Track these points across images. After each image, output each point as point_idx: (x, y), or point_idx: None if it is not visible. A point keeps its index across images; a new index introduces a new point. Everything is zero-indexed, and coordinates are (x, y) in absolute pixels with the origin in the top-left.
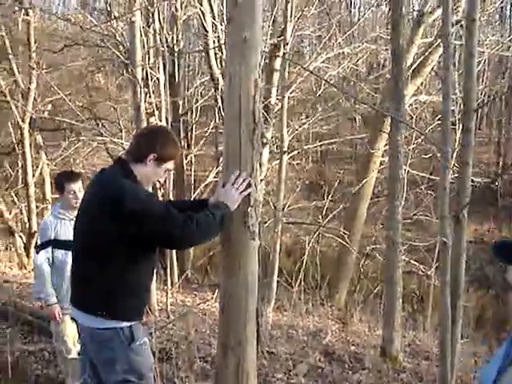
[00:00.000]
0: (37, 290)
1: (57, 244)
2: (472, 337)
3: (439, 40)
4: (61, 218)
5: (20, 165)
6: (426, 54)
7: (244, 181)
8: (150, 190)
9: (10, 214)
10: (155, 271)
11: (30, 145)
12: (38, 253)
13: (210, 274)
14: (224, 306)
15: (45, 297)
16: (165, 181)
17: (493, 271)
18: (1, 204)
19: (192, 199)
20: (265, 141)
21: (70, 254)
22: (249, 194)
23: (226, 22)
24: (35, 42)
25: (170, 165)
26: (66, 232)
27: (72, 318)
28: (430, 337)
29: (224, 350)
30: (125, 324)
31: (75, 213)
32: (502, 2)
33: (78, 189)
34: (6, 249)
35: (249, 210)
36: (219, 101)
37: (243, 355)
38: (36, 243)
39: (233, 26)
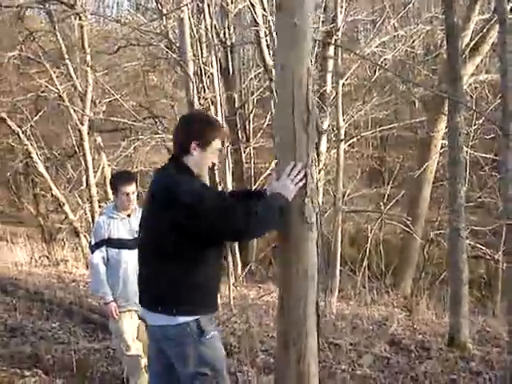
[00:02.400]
0: (94, 288)
1: (110, 243)
2: None
3: (496, 16)
4: (114, 218)
5: (82, 167)
6: (484, 31)
7: (299, 172)
8: (207, 177)
9: (74, 215)
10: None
11: (90, 147)
12: (93, 252)
13: (273, 266)
14: (283, 299)
15: (102, 295)
16: (217, 163)
17: None
18: (65, 206)
19: (249, 190)
20: (321, 130)
21: (123, 252)
22: (305, 185)
23: (275, 9)
24: (89, 46)
25: (217, 144)
26: (119, 231)
27: (140, 317)
28: (501, 322)
29: (284, 342)
30: (191, 318)
31: (127, 212)
32: None
33: (131, 191)
34: (73, 249)
35: (305, 201)
36: (274, 92)
37: (304, 347)
38: (90, 243)
39: (282, 13)
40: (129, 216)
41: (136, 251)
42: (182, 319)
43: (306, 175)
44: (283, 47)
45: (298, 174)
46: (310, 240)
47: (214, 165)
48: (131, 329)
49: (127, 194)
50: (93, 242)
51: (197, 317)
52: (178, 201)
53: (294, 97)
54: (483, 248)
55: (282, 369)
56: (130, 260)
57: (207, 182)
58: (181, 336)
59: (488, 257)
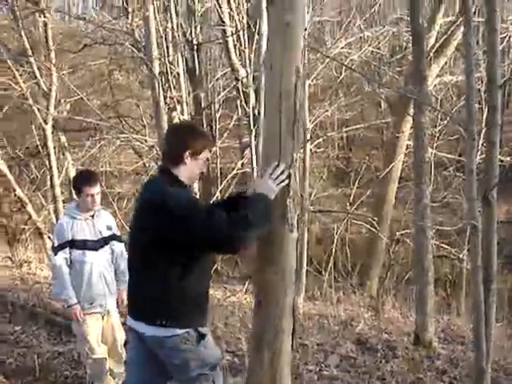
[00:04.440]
0: (57, 292)
1: (74, 244)
2: (508, 319)
3: (461, 18)
4: (77, 219)
5: (46, 166)
6: (449, 32)
7: (283, 172)
8: (196, 187)
9: (38, 215)
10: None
11: (54, 146)
12: (55, 254)
13: (240, 266)
14: (260, 300)
15: (65, 298)
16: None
17: None
18: (29, 206)
19: (229, 194)
20: None
21: (87, 253)
22: (288, 186)
23: (266, 3)
24: (54, 44)
25: (206, 154)
26: (83, 232)
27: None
28: (465, 321)
29: (258, 343)
30: (191, 328)
31: (91, 213)
32: None
33: (95, 192)
34: (37, 251)
35: (288, 202)
36: (241, 92)
37: (279, 349)
38: (53, 244)
39: (274, 10)
40: (92, 217)
41: (100, 252)
42: (180, 330)
43: (289, 176)
44: (274, 46)
45: (281, 174)
46: (291, 242)
47: (202, 173)
48: (96, 331)
49: (91, 196)
50: (55, 244)
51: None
52: (169, 214)
53: (281, 96)
54: (448, 248)
55: (255, 369)
56: (94, 261)
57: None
58: (180, 344)
59: (453, 256)
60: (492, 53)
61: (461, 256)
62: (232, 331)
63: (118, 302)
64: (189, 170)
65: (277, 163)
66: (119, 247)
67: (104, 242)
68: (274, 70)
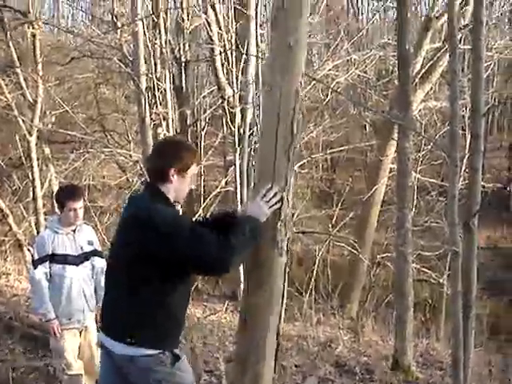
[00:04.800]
0: (36, 305)
1: (55, 258)
2: (486, 345)
3: (447, 45)
4: (58, 233)
5: (28, 178)
6: (435, 59)
7: (275, 195)
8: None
9: (19, 227)
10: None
11: (38, 158)
12: (35, 268)
13: (220, 285)
14: (246, 322)
15: (44, 312)
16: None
17: (506, 278)
18: (10, 217)
19: (217, 213)
20: None
21: (67, 268)
22: (280, 209)
23: (270, 27)
24: (41, 56)
25: (194, 169)
26: (64, 246)
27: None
28: (444, 346)
29: (242, 365)
30: (165, 349)
31: (72, 227)
32: (510, 6)
33: (78, 207)
34: (16, 263)
35: (278, 226)
36: (227, 110)
37: (261, 373)
38: (33, 258)
39: (277, 31)
40: (74, 231)
41: (80, 267)
42: (154, 351)
43: (281, 199)
44: (274, 67)
45: (273, 197)
46: (280, 265)
47: (191, 191)
48: (73, 347)
49: (74, 210)
50: (36, 257)
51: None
52: (155, 231)
53: (279, 118)
54: (429, 272)
55: None
56: (74, 276)
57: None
58: (154, 365)
59: (433, 281)
60: (476, 81)
61: (441, 281)
62: (211, 350)
63: (96, 319)
64: (176, 188)
65: (270, 185)
66: (100, 263)
67: (85, 257)
68: (273, 91)
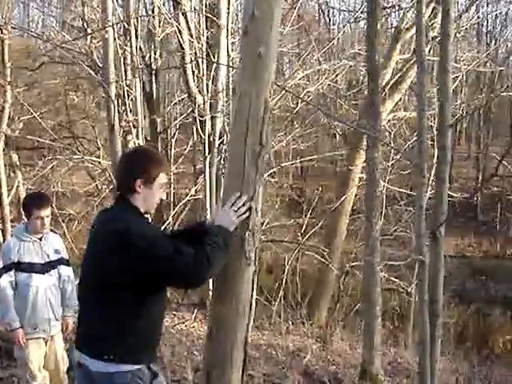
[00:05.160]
0: (0, 315)
1: (20, 267)
2: (453, 353)
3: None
4: (24, 241)
5: None
6: (404, 70)
7: (244, 204)
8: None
9: None
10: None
11: (5, 164)
12: (0, 276)
13: (189, 293)
14: (213, 332)
15: (8, 321)
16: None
17: (474, 286)
18: None
19: (188, 225)
20: None
21: (33, 276)
22: (248, 218)
23: (241, 33)
24: (10, 61)
25: (162, 179)
26: (30, 254)
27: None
28: (412, 354)
29: (208, 376)
30: (143, 365)
31: (39, 235)
32: (478, 18)
33: (45, 215)
34: None
35: (246, 235)
36: (197, 118)
37: (229, 383)
38: None
39: (247, 40)
40: (40, 239)
41: (47, 276)
42: (131, 366)
43: (250, 208)
44: (244, 76)
45: (242, 206)
46: (248, 275)
47: (161, 200)
48: (38, 357)
49: (41, 218)
50: (0, 265)
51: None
52: (130, 244)
53: (248, 127)
54: (397, 281)
55: None
56: (40, 285)
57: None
58: (132, 382)
59: (401, 289)
60: (443, 92)
61: (409, 290)
62: (178, 359)
63: (62, 328)
64: (144, 198)
65: (239, 194)
66: (67, 271)
67: (51, 265)
68: (242, 100)
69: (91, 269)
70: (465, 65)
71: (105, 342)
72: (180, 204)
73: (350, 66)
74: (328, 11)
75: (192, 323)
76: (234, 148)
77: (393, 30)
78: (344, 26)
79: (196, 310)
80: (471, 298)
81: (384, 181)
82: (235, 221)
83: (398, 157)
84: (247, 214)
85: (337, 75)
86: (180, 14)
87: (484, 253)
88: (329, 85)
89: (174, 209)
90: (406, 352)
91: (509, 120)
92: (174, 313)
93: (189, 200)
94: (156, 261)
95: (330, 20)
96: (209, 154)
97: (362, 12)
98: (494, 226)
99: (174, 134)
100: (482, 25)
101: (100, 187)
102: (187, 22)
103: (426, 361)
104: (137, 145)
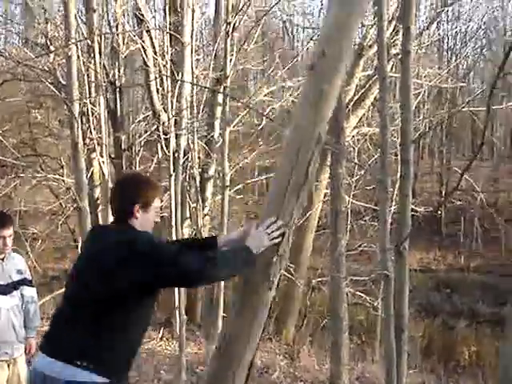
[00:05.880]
0: None
1: None
2: (421, 366)
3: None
4: None
5: None
6: (367, 86)
7: (278, 229)
8: None
9: None
10: None
11: None
12: None
13: (156, 311)
14: (221, 348)
15: None
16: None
17: (439, 299)
18: None
19: (204, 237)
20: (207, 176)
21: None
22: (279, 244)
23: (307, 67)
24: None
25: (157, 203)
26: None
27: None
28: (379, 368)
29: None
30: (113, 380)
31: (1, 256)
32: (439, 35)
33: (8, 235)
34: None
35: (274, 260)
36: (161, 136)
37: None
38: None
39: (313, 76)
40: (2, 260)
41: (9, 297)
42: (102, 379)
43: (283, 234)
44: (303, 108)
45: (276, 230)
46: (266, 299)
47: (156, 223)
48: (0, 380)
49: (3, 238)
50: None
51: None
52: (139, 254)
53: (297, 158)
54: (363, 295)
55: None
56: (2, 306)
57: None
58: None
59: (368, 304)
60: (406, 110)
61: (375, 304)
62: (145, 379)
63: (26, 350)
64: (141, 223)
65: (275, 219)
66: (30, 292)
67: (13, 286)
68: (297, 130)
69: (89, 281)
70: (426, 81)
71: (83, 346)
72: None
73: None
74: (292, 29)
75: (159, 342)
76: (280, 175)
77: (356, 47)
78: (308, 43)
79: (162, 329)
80: (436, 311)
81: (349, 196)
82: (266, 243)
83: (363, 172)
84: (279, 239)
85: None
86: (144, 32)
87: (449, 266)
88: (293, 101)
89: None
90: (373, 366)
91: (470, 135)
92: None
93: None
94: (162, 259)
95: (293, 37)
96: (174, 171)
97: None
98: (458, 239)
99: (139, 152)
100: (443, 42)
101: (64, 205)
102: (151, 39)
103: (393, 375)
104: (101, 163)
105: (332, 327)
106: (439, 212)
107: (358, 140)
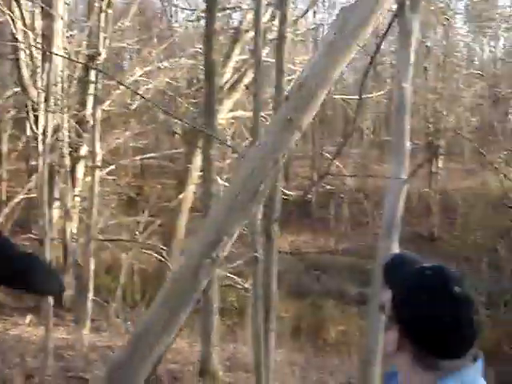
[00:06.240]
0: None
1: None
2: (289, 346)
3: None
4: None
5: None
6: (243, 70)
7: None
8: None
9: None
10: None
11: None
12: None
13: (24, 297)
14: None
15: None
16: None
17: (309, 281)
18: None
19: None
20: (78, 155)
21: None
22: (212, 248)
23: (284, 98)
24: None
25: None
26: None
27: None
28: (250, 349)
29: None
30: None
31: None
32: (315, 24)
33: None
34: None
35: (205, 262)
36: (30, 113)
37: None
38: None
39: (286, 105)
40: None
41: None
42: None
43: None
44: (269, 131)
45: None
46: (191, 298)
47: None
48: None
49: None
50: None
51: None
52: None
53: (251, 177)
54: (235, 277)
55: None
56: None
57: None
58: None
59: (239, 286)
60: (279, 93)
61: (246, 285)
62: (10, 367)
63: None
64: None
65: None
66: None
67: None
68: (261, 148)
69: None
70: (302, 67)
71: None
72: (12, 202)
73: (192, 64)
74: (170, 8)
75: (26, 328)
76: (229, 189)
77: (232, 31)
78: (185, 25)
79: (30, 315)
80: (306, 292)
81: (222, 179)
82: None
83: (236, 156)
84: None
85: (176, 73)
86: (13, 2)
87: (319, 248)
88: (169, 82)
89: (6, 206)
90: (244, 347)
91: (342, 122)
92: (6, 318)
93: (22, 198)
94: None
95: (172, 17)
96: (43, 150)
97: (203, 11)
98: (329, 222)
99: (7, 130)
100: (319, 30)
101: None
102: (21, 10)
103: (261, 354)
104: None
105: (203, 309)
106: (310, 196)
107: (232, 123)
